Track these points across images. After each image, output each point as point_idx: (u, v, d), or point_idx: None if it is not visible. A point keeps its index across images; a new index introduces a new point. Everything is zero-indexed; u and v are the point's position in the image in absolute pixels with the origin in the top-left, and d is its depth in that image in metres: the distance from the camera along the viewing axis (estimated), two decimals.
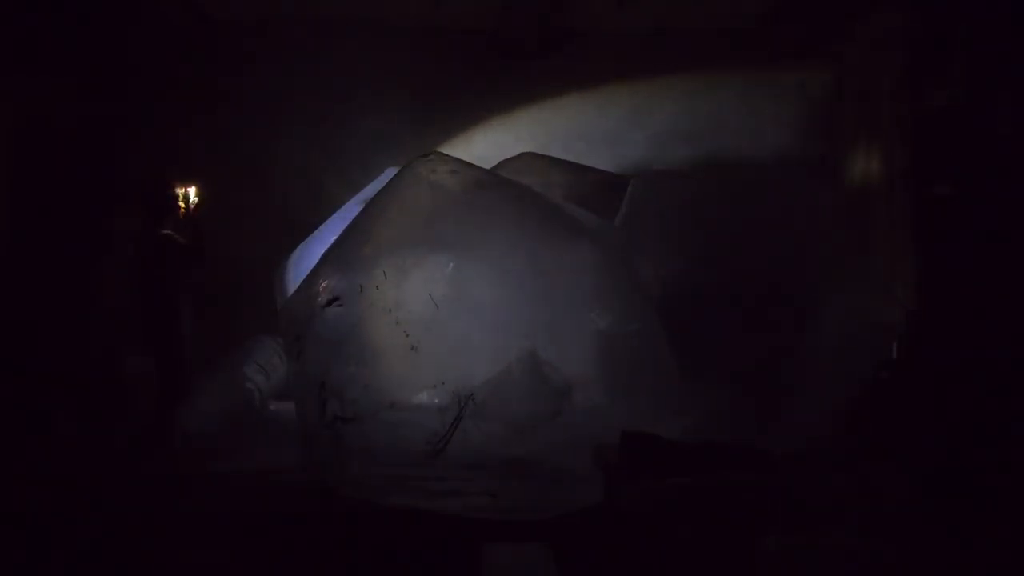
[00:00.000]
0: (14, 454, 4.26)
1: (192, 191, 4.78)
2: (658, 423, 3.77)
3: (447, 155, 4.32)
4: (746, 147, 6.49)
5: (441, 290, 4.08)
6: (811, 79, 6.44)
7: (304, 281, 4.24)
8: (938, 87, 5.28)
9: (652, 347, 4.11)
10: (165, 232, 4.51)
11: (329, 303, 3.96)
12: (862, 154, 5.86)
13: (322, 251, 4.65)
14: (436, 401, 4.03)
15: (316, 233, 5.42)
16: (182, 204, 4.72)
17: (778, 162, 6.33)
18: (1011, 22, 4.67)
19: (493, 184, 4.48)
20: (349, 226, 4.39)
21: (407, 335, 4.00)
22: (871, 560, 2.83)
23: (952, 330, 4.74)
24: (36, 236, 5.42)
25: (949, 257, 4.98)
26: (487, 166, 4.96)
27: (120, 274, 5.31)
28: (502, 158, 5.85)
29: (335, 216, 5.43)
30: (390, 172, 5.01)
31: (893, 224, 5.49)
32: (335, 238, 4.60)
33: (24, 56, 5.34)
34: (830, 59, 6.31)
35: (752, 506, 3.18)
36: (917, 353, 4.87)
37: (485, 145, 6.34)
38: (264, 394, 5.07)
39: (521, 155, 5.82)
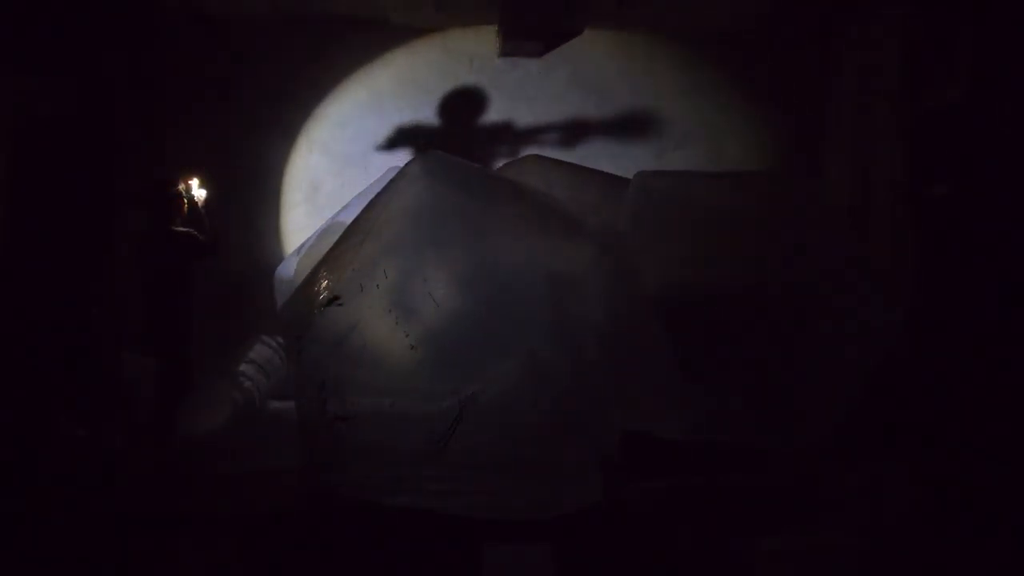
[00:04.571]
0: (14, 454, 4.26)
1: (195, 185, 4.79)
2: (658, 423, 3.76)
3: (447, 155, 4.31)
4: (746, 147, 6.50)
5: (441, 290, 4.06)
6: (810, 78, 6.45)
7: (304, 281, 4.22)
8: (938, 87, 5.29)
9: (652, 347, 4.09)
10: (182, 229, 4.51)
11: (329, 303, 3.94)
12: (862, 153, 5.87)
13: (322, 251, 4.64)
14: (436, 401, 4.02)
15: (315, 234, 5.41)
16: (187, 200, 4.73)
17: (778, 161, 6.34)
18: (1012, 21, 4.67)
19: (494, 184, 4.47)
20: (349, 226, 4.37)
21: (407, 335, 3.98)
22: (871, 560, 2.83)
23: (952, 330, 4.75)
24: (36, 236, 5.42)
25: (949, 257, 4.99)
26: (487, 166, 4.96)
27: (121, 274, 5.32)
28: (502, 158, 5.86)
29: (335, 216, 5.42)
30: (390, 172, 5.00)
31: (893, 224, 5.49)
32: (335, 238, 4.59)
33: (24, 56, 5.34)
34: (830, 58, 6.32)
35: (752, 506, 3.19)
36: (917, 353, 4.88)
37: (485, 145, 6.35)
38: (264, 394, 5.07)
39: (524, 156, 5.82)
